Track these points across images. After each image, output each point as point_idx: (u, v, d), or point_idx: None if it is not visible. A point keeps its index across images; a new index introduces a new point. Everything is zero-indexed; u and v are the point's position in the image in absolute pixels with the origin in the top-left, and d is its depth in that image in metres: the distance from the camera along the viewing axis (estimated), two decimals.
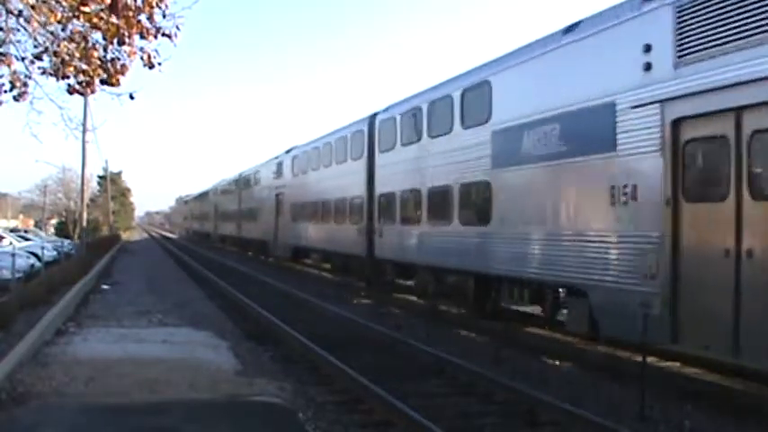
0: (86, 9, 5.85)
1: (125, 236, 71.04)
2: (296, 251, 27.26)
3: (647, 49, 8.63)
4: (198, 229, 69.15)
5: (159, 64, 6.39)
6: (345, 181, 20.47)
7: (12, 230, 39.82)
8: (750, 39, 7.37)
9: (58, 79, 6.27)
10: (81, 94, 6.55)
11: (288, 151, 28.87)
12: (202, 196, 64.42)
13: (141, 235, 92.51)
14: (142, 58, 6.27)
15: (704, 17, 7.90)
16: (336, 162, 21.59)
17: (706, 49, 7.87)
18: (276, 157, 31.32)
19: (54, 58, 6.20)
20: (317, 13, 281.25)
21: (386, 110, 17.79)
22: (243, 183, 40.67)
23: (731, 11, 7.59)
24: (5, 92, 6.32)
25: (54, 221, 69.03)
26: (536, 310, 12.37)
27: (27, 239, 32.30)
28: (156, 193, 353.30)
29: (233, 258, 36.36)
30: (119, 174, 74.19)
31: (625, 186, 8.82)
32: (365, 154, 18.73)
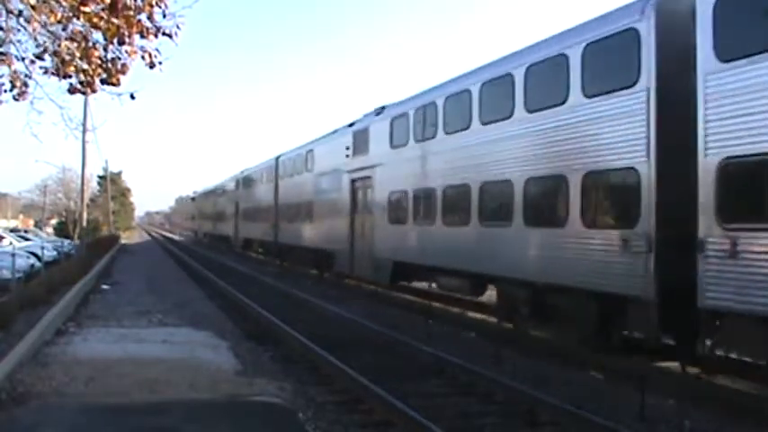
0: (87, 9, 5.84)
1: (125, 236, 69.56)
2: (400, 270, 16.74)
3: None
4: (210, 230, 56.57)
5: (160, 63, 6.39)
6: (572, 139, 10.32)
7: (12, 230, 39.82)
8: None
9: (59, 78, 6.27)
10: (82, 93, 6.55)
11: (378, 112, 18.69)
12: (218, 190, 51.71)
13: (142, 236, 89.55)
14: (143, 58, 6.27)
15: None
16: (537, 103, 11.19)
17: None
18: (351, 125, 20.72)
19: (55, 58, 6.20)
20: (318, 14, 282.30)
21: None
22: (283, 169, 29.63)
23: None
24: (5, 91, 6.33)
25: (54, 221, 69.00)
26: None
27: (27, 239, 32.29)
28: (156, 193, 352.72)
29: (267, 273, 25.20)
30: (119, 174, 74.18)
31: None
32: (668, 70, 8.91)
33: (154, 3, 5.99)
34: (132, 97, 6.75)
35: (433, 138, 14.83)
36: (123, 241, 58.47)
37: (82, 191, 33.65)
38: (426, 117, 15.17)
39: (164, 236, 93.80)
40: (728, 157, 7.73)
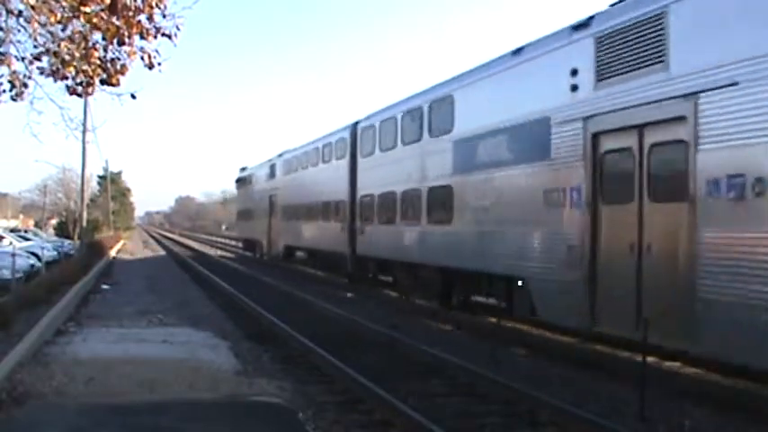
0: (86, 9, 5.84)
1: (124, 237, 62.95)
2: None
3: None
4: (323, 246, 22.87)
5: (159, 64, 6.39)
6: None
7: (12, 230, 39.82)
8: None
9: (57, 80, 6.27)
10: (80, 95, 6.55)
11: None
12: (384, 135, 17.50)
13: (143, 240, 68.96)
14: (142, 59, 6.27)
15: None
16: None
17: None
18: None
19: (54, 59, 6.20)
20: (318, 14, 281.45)
21: None
22: None
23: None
24: (4, 92, 6.33)
25: (54, 221, 68.96)
26: None
27: (27, 239, 32.31)
28: (156, 193, 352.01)
29: None
30: (119, 174, 74.10)
31: None
32: None
33: (154, 3, 5.99)
34: (133, 97, 6.76)
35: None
36: (118, 249, 43.30)
37: (82, 191, 33.65)
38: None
39: (172, 239, 75.19)
40: None
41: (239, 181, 41.96)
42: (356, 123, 19.70)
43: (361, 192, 19.03)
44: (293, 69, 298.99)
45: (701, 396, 7.75)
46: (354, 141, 19.52)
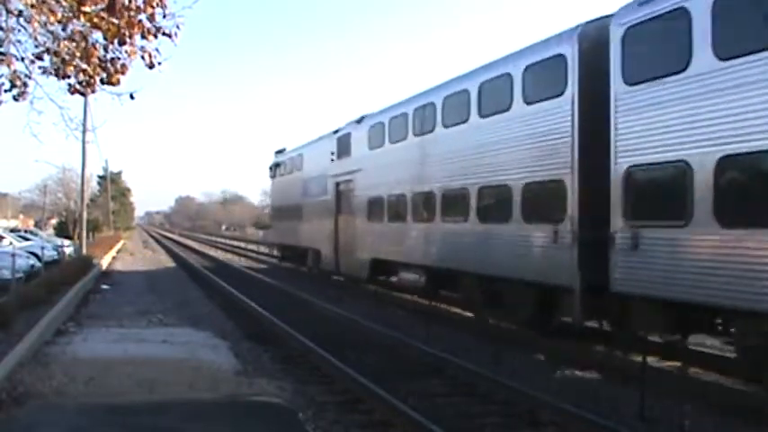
0: (86, 9, 5.84)
1: (124, 237, 61.07)
2: None
3: None
4: (492, 268, 12.35)
5: (159, 63, 6.38)
6: None
7: (12, 230, 39.79)
8: None
9: (58, 78, 6.27)
10: (81, 93, 6.54)
11: None
12: None
13: (143, 240, 65.07)
14: (143, 58, 6.26)
15: None
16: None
17: None
18: None
19: (54, 58, 6.20)
20: (320, 14, 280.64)
21: None
22: None
23: None
24: (5, 91, 6.32)
25: (54, 221, 68.99)
26: None
27: (27, 239, 32.30)
28: (156, 193, 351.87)
29: None
30: (119, 174, 74.21)
31: None
32: None
33: (155, 3, 5.98)
34: (132, 97, 6.74)
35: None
36: (118, 249, 40.59)
37: (82, 191, 33.63)
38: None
39: (173, 239, 69.84)
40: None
41: (276, 167, 29.69)
42: (593, 22, 10.48)
43: (634, 158, 9.23)
44: (293, 69, 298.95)
45: (701, 396, 7.75)
46: (591, 60, 10.20)
